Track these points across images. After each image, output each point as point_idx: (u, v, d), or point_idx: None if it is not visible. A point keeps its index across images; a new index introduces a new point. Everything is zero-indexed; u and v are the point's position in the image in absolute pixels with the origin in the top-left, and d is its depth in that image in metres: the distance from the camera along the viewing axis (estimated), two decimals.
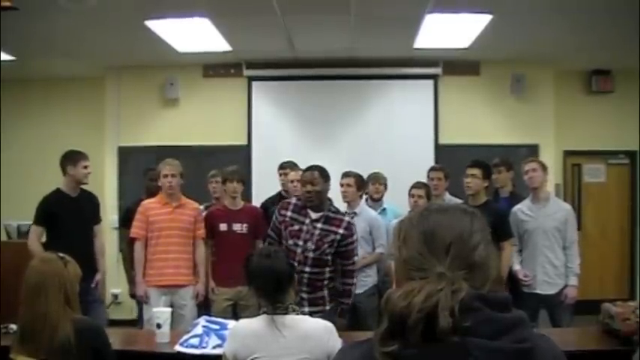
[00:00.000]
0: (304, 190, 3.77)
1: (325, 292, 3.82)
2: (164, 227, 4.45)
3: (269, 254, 2.53)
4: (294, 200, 3.96)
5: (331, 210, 3.82)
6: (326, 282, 3.80)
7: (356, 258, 3.87)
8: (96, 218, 4.78)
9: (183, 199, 4.58)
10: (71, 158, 4.53)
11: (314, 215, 3.77)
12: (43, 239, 4.56)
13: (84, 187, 4.65)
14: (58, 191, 4.55)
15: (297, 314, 2.44)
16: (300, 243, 3.74)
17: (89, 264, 4.48)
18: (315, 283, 3.76)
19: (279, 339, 2.32)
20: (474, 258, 1.04)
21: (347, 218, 3.87)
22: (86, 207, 4.65)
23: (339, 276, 3.87)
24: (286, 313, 2.38)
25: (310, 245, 3.73)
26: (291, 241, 3.76)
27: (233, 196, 4.67)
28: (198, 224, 4.56)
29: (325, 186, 3.78)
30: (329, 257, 3.77)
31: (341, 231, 3.74)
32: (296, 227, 3.78)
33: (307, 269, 3.73)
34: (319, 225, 3.75)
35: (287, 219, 3.83)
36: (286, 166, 5.19)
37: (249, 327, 2.40)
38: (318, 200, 3.76)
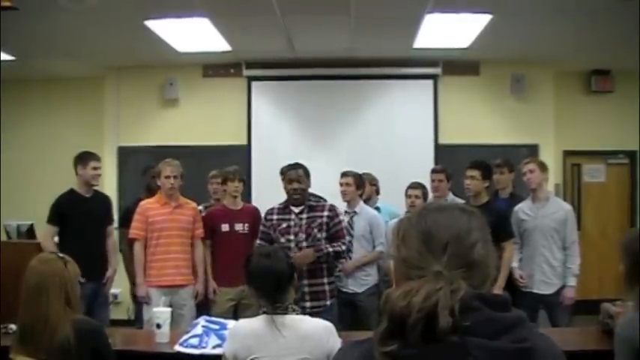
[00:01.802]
0: (291, 188, 3.96)
1: (326, 285, 3.94)
2: (164, 227, 4.45)
3: (269, 254, 2.52)
4: (277, 205, 4.13)
5: (312, 200, 4.01)
6: (325, 272, 3.91)
7: (348, 237, 4.02)
8: (108, 219, 4.79)
9: (181, 198, 4.59)
10: (81, 158, 4.58)
11: (297, 209, 3.97)
12: (57, 239, 4.57)
13: (95, 188, 4.68)
14: (71, 192, 4.60)
15: (297, 314, 2.44)
16: (292, 237, 3.91)
17: (100, 264, 4.51)
18: (315, 272, 3.86)
19: (279, 339, 2.32)
20: (472, 256, 1.04)
21: (329, 202, 4.08)
22: (98, 208, 4.68)
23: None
24: (286, 313, 2.38)
25: (301, 236, 3.89)
26: (283, 239, 3.92)
27: (234, 196, 4.68)
28: (196, 224, 4.57)
29: (308, 183, 4.01)
30: (322, 242, 3.89)
31: (326, 213, 3.95)
32: (284, 225, 3.97)
33: None
34: (304, 215, 3.95)
35: (274, 222, 4.02)
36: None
37: (248, 327, 2.40)
38: (302, 197, 3.96)
